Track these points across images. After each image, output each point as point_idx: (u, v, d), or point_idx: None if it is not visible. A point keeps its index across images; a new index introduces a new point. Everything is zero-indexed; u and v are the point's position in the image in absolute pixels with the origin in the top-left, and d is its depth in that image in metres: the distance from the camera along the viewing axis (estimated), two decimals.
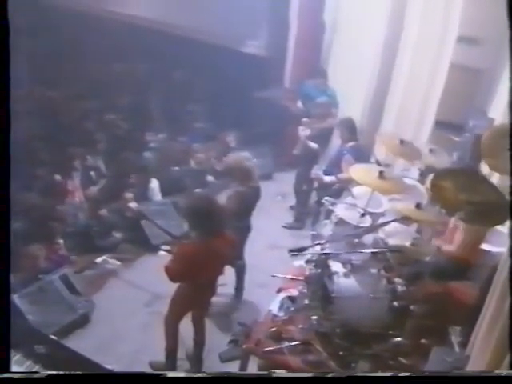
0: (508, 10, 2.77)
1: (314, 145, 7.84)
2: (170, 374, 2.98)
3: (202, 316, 5.42)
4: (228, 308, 6.39)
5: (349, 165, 6.78)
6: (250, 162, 6.20)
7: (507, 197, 4.43)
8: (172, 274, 4.91)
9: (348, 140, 7.22)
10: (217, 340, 5.79)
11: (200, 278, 5.01)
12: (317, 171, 7.38)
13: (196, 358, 5.42)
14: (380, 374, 3.10)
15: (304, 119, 8.02)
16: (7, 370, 3.05)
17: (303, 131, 7.89)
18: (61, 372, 4.77)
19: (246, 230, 6.30)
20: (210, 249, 4.90)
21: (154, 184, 8.15)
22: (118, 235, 7.34)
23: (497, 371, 2.84)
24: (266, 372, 4.76)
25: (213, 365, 5.51)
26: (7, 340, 3.12)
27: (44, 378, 2.92)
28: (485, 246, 5.21)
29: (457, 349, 4.48)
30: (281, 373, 4.71)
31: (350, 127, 7.28)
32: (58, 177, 7.41)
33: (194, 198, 5.32)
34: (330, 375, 2.80)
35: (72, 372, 4.37)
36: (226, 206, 5.91)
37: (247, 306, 6.38)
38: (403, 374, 2.87)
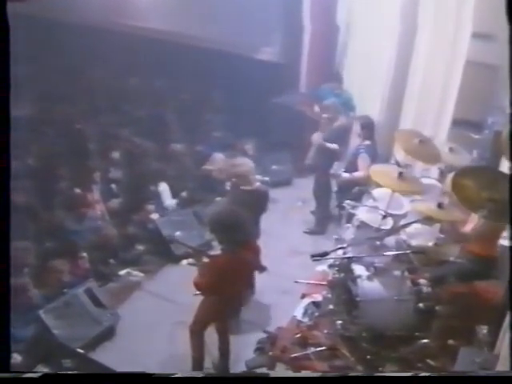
0: (507, 10, 2.74)
1: (333, 145, 7.82)
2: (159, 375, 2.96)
3: (226, 326, 5.41)
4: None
5: (365, 162, 6.85)
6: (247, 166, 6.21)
7: None
8: (203, 287, 4.94)
9: (364, 138, 7.24)
10: (243, 348, 5.78)
11: (229, 289, 5.01)
12: (336, 169, 7.38)
13: (222, 368, 5.40)
14: (397, 374, 3.05)
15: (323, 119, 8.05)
16: (7, 370, 3.05)
17: (316, 139, 7.89)
18: (60, 372, 4.80)
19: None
20: (239, 259, 4.92)
21: (163, 187, 8.18)
22: (140, 247, 7.36)
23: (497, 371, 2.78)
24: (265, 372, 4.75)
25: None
26: (7, 340, 3.13)
27: (44, 378, 2.92)
28: (509, 243, 5.13)
29: (485, 349, 4.41)
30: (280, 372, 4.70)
31: (366, 125, 7.32)
32: (77, 190, 7.45)
33: (219, 212, 5.30)
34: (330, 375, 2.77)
35: (72, 372, 4.39)
36: None
37: (272, 313, 6.36)
38: (422, 374, 2.83)
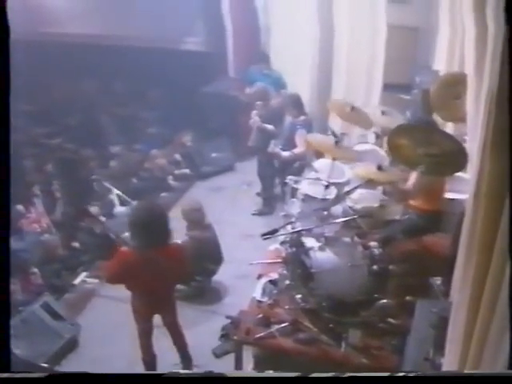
0: (506, 9, 2.77)
1: (269, 126, 7.88)
2: (169, 374, 2.95)
3: (172, 321, 5.34)
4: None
5: (302, 138, 6.94)
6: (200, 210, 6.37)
7: (463, 144, 4.55)
8: (106, 274, 5.06)
9: (297, 115, 7.37)
10: (208, 338, 5.80)
11: (140, 287, 4.94)
12: (274, 147, 7.49)
13: (184, 358, 5.38)
14: (375, 374, 3.09)
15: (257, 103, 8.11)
16: (7, 370, 3.00)
17: (253, 122, 7.96)
18: (61, 372, 4.72)
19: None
20: (150, 260, 4.75)
21: (113, 195, 8.08)
22: (91, 253, 7.25)
23: (496, 371, 2.83)
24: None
25: (208, 363, 5.48)
26: (7, 340, 3.08)
27: (44, 378, 2.88)
28: (450, 195, 5.27)
29: (441, 298, 4.53)
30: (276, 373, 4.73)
31: (295, 102, 7.46)
32: (19, 206, 7.28)
33: (138, 208, 5.27)
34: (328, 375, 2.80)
35: (72, 372, 4.30)
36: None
37: (231, 298, 6.40)
38: (399, 374, 2.88)
